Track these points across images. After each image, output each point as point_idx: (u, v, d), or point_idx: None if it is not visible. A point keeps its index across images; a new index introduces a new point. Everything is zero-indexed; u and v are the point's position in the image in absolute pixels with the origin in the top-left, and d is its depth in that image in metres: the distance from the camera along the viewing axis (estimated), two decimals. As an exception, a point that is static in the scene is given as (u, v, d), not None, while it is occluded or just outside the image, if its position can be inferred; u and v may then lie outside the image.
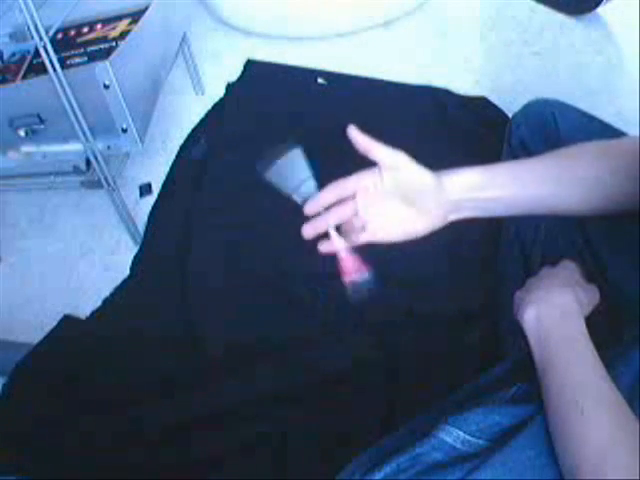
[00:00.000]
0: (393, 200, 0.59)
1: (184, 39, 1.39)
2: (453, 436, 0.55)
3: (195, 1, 1.80)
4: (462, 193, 0.60)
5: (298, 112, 1.39)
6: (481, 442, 0.55)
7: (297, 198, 0.60)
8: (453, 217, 0.62)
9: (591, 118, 0.79)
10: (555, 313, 0.58)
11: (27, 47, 1.13)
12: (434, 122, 1.32)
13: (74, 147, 1.04)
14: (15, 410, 0.91)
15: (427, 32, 1.65)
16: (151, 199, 1.27)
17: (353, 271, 0.60)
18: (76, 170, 1.08)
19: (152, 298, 1.08)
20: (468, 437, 0.55)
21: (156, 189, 1.30)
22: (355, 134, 0.58)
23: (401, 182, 0.58)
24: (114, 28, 1.15)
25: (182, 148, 1.36)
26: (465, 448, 0.55)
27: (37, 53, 0.98)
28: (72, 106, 0.95)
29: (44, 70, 0.92)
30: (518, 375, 0.63)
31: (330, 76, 1.49)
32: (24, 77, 1.07)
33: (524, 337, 0.59)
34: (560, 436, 0.50)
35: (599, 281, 0.66)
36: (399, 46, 1.61)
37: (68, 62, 1.06)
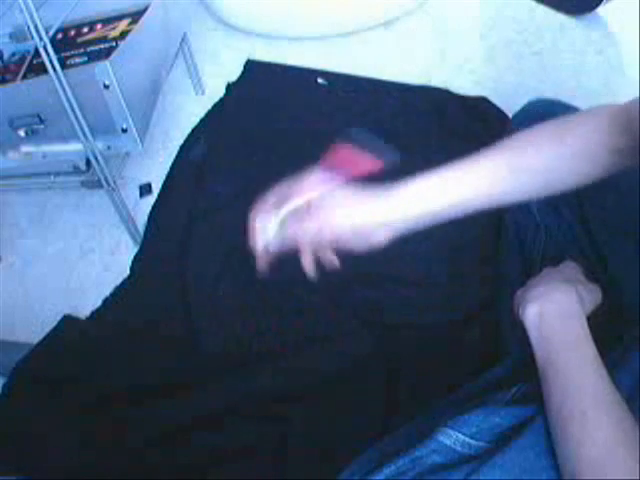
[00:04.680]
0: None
1: (184, 39, 1.39)
2: (453, 439, 0.55)
3: (195, 1, 1.80)
4: (410, 210, 0.58)
5: (298, 112, 1.39)
6: (481, 444, 0.55)
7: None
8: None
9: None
10: (557, 310, 0.58)
11: (27, 47, 1.13)
12: (434, 122, 1.32)
13: (74, 147, 1.04)
14: (15, 410, 0.91)
15: (427, 32, 1.65)
16: (151, 199, 1.27)
17: None
18: (76, 170, 1.08)
19: (152, 298, 1.08)
20: (468, 439, 0.55)
21: (156, 189, 1.30)
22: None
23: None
24: (114, 28, 1.15)
25: (182, 148, 1.36)
26: (465, 450, 0.55)
27: (37, 53, 0.98)
28: (72, 106, 0.95)
29: (44, 70, 0.92)
30: (518, 375, 0.63)
31: (330, 76, 1.49)
32: (24, 77, 1.07)
33: (525, 335, 0.59)
34: (561, 437, 0.50)
35: (601, 281, 0.66)
36: (399, 46, 1.61)
37: (68, 62, 1.06)
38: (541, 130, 0.60)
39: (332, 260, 0.62)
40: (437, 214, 0.58)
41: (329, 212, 0.57)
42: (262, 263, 0.61)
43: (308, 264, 0.60)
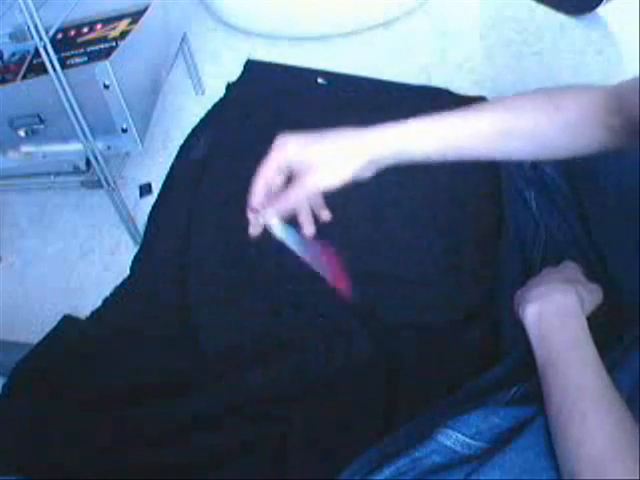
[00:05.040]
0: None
1: (184, 39, 1.39)
2: (453, 439, 0.55)
3: (195, 1, 1.80)
4: (395, 145, 0.58)
5: (298, 112, 1.39)
6: (481, 444, 0.55)
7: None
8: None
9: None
10: (557, 310, 0.58)
11: (27, 47, 1.13)
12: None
13: (74, 147, 1.04)
14: (15, 410, 0.91)
15: (427, 32, 1.65)
16: (151, 199, 1.27)
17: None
18: (76, 170, 1.08)
19: (152, 298, 1.08)
20: (468, 440, 0.55)
21: (156, 189, 1.30)
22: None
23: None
24: (114, 28, 1.15)
25: (182, 148, 1.36)
26: (465, 451, 0.55)
27: (37, 53, 0.98)
28: (72, 106, 0.95)
29: (44, 70, 0.92)
30: (518, 375, 0.63)
31: (330, 76, 1.49)
32: (24, 77, 1.07)
33: (525, 335, 0.59)
34: (560, 437, 0.50)
35: (601, 281, 0.66)
36: (399, 46, 1.61)
37: (68, 62, 1.06)
38: (537, 95, 0.60)
39: (325, 213, 0.62)
40: (424, 152, 0.58)
41: (314, 171, 0.57)
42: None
43: (308, 224, 0.61)
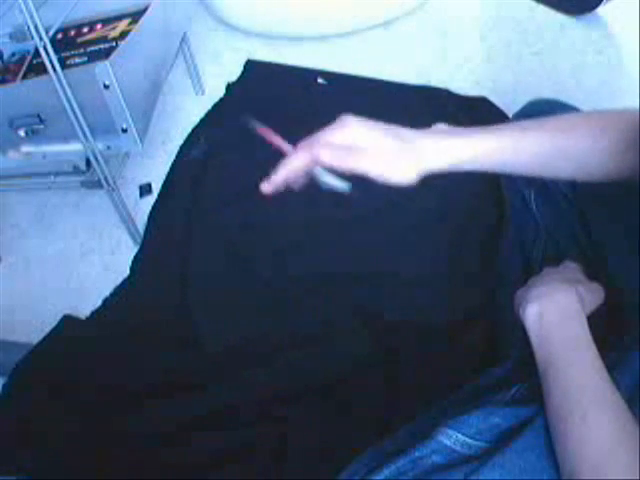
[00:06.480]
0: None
1: (184, 39, 1.39)
2: (452, 439, 0.55)
3: (195, 1, 1.80)
4: (440, 163, 0.58)
5: (298, 112, 1.39)
6: (481, 444, 0.55)
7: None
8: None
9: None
10: (557, 310, 0.58)
11: (27, 47, 1.13)
12: (434, 122, 1.32)
13: (74, 147, 1.04)
14: (15, 410, 0.91)
15: (427, 32, 1.65)
16: (151, 199, 1.27)
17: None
18: (76, 170, 1.08)
19: (152, 298, 1.08)
20: (468, 440, 0.55)
21: (156, 189, 1.30)
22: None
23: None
24: (114, 28, 1.15)
25: (182, 148, 1.36)
26: (465, 450, 0.55)
27: (37, 53, 0.98)
28: (72, 106, 0.95)
29: (44, 70, 0.92)
30: (518, 375, 0.63)
31: (330, 76, 1.49)
32: (24, 77, 1.07)
33: (525, 335, 0.59)
34: (561, 437, 0.50)
35: (601, 281, 0.66)
36: (399, 46, 1.61)
37: (68, 62, 1.06)
38: (589, 116, 0.60)
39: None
40: (474, 163, 0.58)
41: (381, 164, 0.56)
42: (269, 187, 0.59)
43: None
